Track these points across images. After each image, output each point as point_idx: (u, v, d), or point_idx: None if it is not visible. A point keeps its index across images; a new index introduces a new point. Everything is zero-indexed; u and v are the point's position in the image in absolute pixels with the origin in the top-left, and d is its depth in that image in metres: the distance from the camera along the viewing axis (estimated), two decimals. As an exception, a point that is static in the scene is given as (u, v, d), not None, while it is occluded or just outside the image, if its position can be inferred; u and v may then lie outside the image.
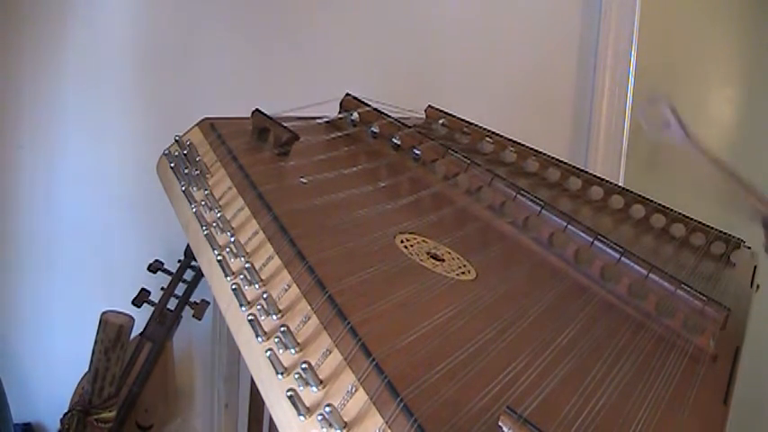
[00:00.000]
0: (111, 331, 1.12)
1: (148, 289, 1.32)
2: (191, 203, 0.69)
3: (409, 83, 1.47)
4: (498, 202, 0.80)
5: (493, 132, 1.04)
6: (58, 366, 1.42)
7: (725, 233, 0.97)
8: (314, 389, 0.46)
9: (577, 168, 1.02)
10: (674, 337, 0.65)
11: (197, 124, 0.84)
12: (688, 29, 1.80)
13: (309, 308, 0.52)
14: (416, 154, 0.87)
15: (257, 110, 0.84)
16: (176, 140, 0.79)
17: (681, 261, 0.89)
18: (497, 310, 0.59)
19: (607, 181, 1.01)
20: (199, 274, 1.35)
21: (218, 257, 0.60)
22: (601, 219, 0.95)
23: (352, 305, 0.51)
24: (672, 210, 0.98)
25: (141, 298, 1.31)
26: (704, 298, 0.66)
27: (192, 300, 1.35)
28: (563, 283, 0.71)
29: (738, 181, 0.80)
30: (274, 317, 0.53)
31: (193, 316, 1.34)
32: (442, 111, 1.07)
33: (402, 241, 0.67)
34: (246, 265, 0.57)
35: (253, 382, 0.52)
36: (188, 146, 0.77)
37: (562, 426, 0.46)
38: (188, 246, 1.33)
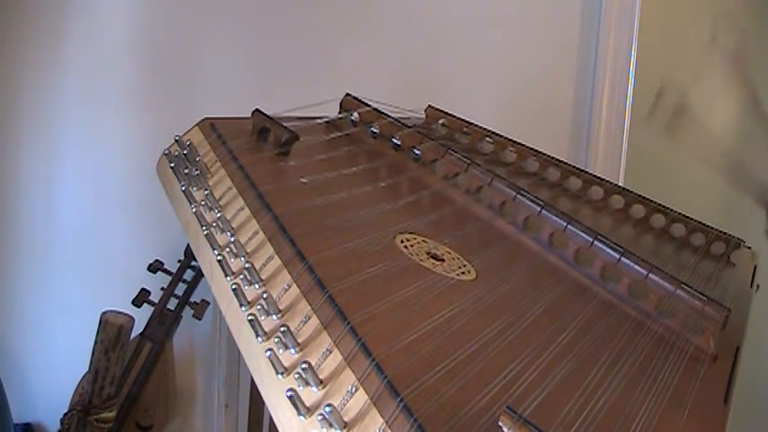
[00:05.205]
0: (111, 331, 1.12)
1: (148, 289, 1.32)
2: (191, 203, 0.69)
3: (409, 83, 1.47)
4: (498, 202, 0.80)
5: (493, 132, 1.04)
6: (57, 366, 1.42)
7: (725, 233, 0.97)
8: (314, 389, 0.46)
9: (577, 168, 1.02)
10: (674, 337, 0.65)
11: (197, 124, 0.84)
12: (688, 29, 1.79)
13: (309, 308, 0.52)
14: (416, 154, 0.87)
15: (257, 110, 0.84)
16: (176, 140, 0.79)
17: (681, 261, 0.89)
18: (497, 311, 0.59)
19: (607, 181, 1.01)
20: (199, 274, 1.35)
21: (218, 257, 0.60)
22: (601, 219, 0.95)
23: (352, 305, 0.51)
24: (672, 210, 0.98)
25: (141, 298, 1.31)
26: (704, 298, 0.66)
27: (192, 300, 1.35)
28: (563, 283, 0.71)
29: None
30: (274, 317, 0.53)
31: (193, 316, 1.34)
32: (442, 111, 1.07)
33: (402, 241, 0.67)
34: (246, 265, 0.57)
35: (253, 383, 0.52)
36: (188, 146, 0.77)
37: (562, 426, 0.46)
38: (188, 246, 1.33)
